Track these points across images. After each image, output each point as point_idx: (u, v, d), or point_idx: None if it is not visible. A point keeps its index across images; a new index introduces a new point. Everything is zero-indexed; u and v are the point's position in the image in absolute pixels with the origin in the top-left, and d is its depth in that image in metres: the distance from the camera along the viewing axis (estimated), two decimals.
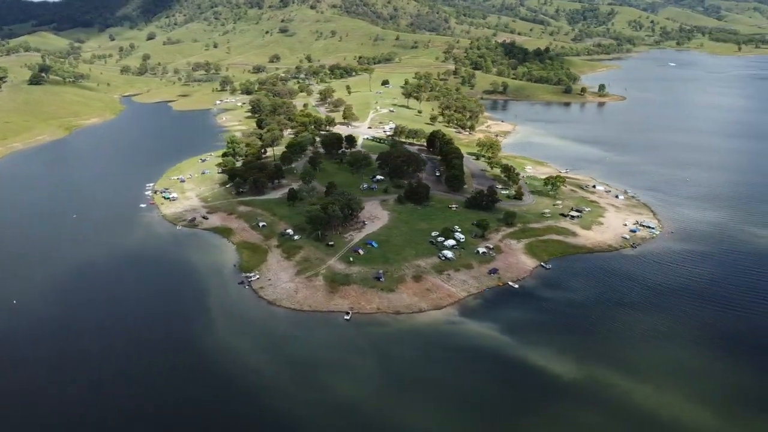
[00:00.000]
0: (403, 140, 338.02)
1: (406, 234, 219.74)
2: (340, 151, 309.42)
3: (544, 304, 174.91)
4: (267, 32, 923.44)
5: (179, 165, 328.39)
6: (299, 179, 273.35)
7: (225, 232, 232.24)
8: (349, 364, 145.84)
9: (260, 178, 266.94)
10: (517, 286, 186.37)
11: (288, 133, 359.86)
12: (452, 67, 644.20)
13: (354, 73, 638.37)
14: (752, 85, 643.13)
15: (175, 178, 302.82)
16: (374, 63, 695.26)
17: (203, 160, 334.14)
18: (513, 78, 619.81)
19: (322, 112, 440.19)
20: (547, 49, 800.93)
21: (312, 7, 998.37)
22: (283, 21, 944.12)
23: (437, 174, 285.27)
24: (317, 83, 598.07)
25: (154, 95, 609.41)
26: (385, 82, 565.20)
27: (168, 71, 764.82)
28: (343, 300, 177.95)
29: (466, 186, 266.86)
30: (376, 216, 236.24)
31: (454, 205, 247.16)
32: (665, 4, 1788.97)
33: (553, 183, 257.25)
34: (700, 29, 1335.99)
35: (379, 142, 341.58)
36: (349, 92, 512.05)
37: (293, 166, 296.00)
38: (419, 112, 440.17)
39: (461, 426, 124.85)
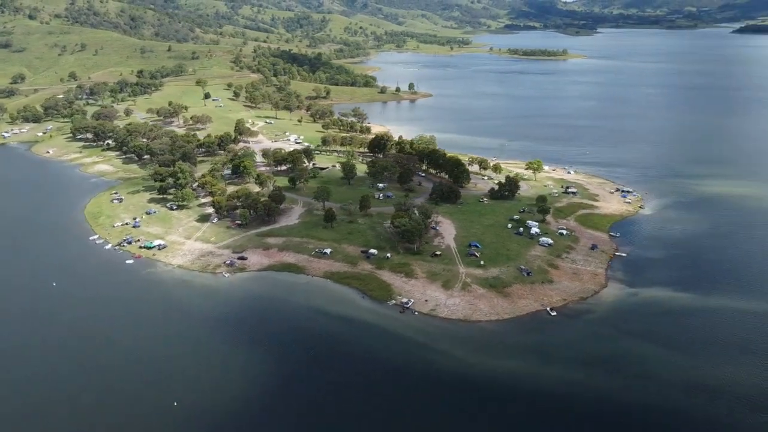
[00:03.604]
0: (338, 148, 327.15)
1: (485, 230, 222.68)
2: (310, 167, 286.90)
3: (665, 263, 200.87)
4: None
5: (94, 210, 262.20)
6: (311, 199, 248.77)
7: (291, 268, 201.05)
8: (637, 352, 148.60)
9: (270, 206, 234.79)
10: (625, 254, 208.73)
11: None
12: (257, 75, 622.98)
13: (153, 89, 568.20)
14: (513, 79, 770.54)
15: (121, 224, 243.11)
16: (162, 76, 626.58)
17: (119, 200, 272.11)
18: (320, 83, 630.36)
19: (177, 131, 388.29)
20: (319, 56, 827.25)
21: (31, 17, 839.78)
22: None
23: (422, 174, 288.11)
24: (114, 102, 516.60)
25: None
26: (207, 96, 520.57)
27: None
28: (525, 300, 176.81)
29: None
30: (434, 220, 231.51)
31: (485, 199, 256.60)
32: (354, 12, 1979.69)
33: (535, 168, 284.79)
34: (408, 34, 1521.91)
35: (316, 153, 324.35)
36: (186, 108, 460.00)
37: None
38: (299, 120, 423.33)
39: None
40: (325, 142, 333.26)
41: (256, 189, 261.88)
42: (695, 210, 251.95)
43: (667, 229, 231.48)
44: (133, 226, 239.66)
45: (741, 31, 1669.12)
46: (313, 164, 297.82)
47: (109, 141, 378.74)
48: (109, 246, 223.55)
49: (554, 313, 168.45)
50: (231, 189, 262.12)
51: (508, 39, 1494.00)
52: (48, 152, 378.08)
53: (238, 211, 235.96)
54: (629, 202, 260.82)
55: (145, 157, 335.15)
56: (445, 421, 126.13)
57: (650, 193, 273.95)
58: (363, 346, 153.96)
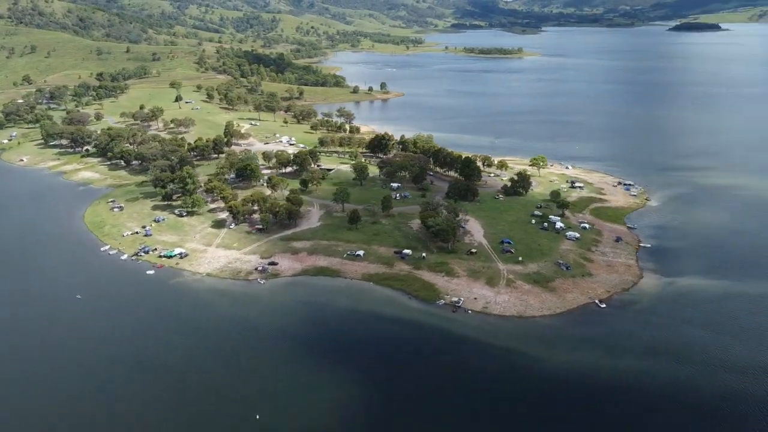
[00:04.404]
0: (337, 149, 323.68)
1: (511, 227, 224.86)
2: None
3: (689, 252, 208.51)
4: None
5: (94, 219, 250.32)
6: (325, 201, 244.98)
7: (326, 271, 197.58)
8: (698, 340, 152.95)
9: (292, 209, 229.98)
10: (649, 245, 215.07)
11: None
12: (224, 77, 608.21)
13: (118, 92, 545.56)
14: (477, 77, 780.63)
15: (130, 233, 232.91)
16: (124, 78, 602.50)
17: (119, 208, 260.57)
18: (290, 83, 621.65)
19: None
20: (282, 56, 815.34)
21: None
22: None
23: (431, 173, 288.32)
24: (79, 107, 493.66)
25: None
26: (179, 98, 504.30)
27: None
28: (571, 294, 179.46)
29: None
30: (463, 218, 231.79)
31: (500, 196, 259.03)
32: (302, 12, 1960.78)
33: (539, 164, 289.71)
34: (360, 33, 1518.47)
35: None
36: (162, 111, 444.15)
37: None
38: (285, 122, 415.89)
39: None
40: (322, 143, 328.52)
41: (268, 192, 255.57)
42: (699, 201, 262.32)
43: (678, 219, 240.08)
44: (145, 235, 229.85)
45: (677, 29, 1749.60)
46: (318, 166, 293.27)
47: (88, 147, 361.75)
48: (125, 256, 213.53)
49: (604, 306, 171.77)
50: (239, 193, 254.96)
51: (459, 38, 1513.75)
52: (22, 160, 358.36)
53: (257, 215, 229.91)
54: (635, 195, 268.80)
55: (134, 162, 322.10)
56: (538, 418, 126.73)
57: (651, 186, 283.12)
58: (431, 348, 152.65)
